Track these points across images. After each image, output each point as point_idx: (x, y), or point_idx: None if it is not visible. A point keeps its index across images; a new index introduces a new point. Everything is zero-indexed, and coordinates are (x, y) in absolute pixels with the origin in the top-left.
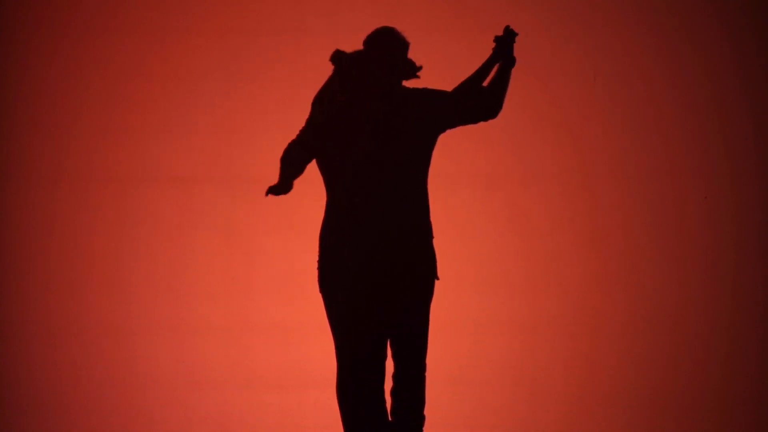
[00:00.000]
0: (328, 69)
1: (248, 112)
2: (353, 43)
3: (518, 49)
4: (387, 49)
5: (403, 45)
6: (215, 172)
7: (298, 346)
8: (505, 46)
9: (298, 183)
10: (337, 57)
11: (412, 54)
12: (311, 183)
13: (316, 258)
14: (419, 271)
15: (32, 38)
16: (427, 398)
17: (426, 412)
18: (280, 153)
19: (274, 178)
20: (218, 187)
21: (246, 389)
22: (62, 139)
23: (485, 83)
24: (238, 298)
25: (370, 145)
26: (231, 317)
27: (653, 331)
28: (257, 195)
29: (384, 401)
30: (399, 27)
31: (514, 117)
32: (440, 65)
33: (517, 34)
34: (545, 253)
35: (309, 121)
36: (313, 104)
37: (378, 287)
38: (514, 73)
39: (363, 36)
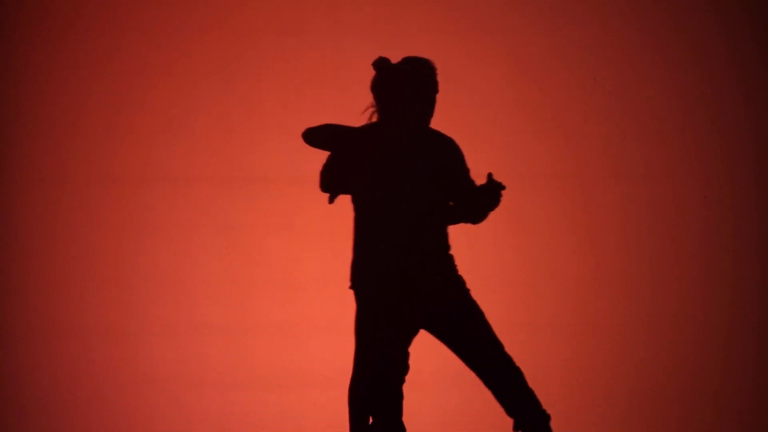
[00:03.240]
0: (328, 69)
1: (248, 112)
2: (353, 43)
3: (518, 50)
4: (420, 84)
5: (433, 87)
6: (215, 172)
7: (298, 346)
8: (493, 192)
9: (297, 183)
10: (381, 65)
11: (413, 55)
12: (311, 183)
13: (352, 255)
14: (451, 276)
15: (32, 39)
16: (427, 398)
17: (425, 412)
18: (279, 153)
19: (274, 178)
20: (218, 187)
21: (246, 389)
22: (62, 140)
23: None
24: (238, 298)
25: (399, 168)
26: (231, 317)
27: (652, 331)
28: (257, 195)
29: (401, 405)
30: (399, 27)
31: (513, 117)
32: (440, 65)
33: (504, 188)
34: (544, 253)
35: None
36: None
37: (414, 288)
38: (513, 72)
39: (363, 36)
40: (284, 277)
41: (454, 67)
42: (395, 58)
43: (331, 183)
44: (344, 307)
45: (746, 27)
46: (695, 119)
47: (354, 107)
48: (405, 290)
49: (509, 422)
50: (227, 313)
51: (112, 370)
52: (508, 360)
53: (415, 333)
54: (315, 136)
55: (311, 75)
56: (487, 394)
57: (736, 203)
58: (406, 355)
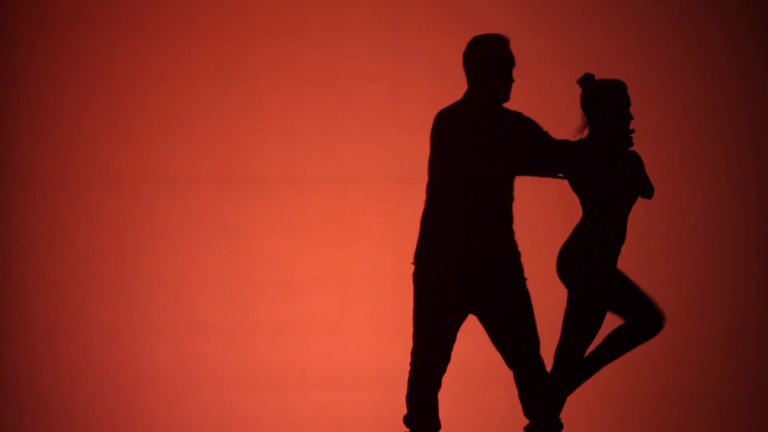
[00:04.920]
0: (328, 69)
1: (248, 112)
2: (353, 43)
3: (518, 50)
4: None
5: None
6: (215, 172)
7: (298, 346)
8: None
9: (297, 183)
10: (587, 81)
11: (413, 55)
12: (311, 183)
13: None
14: (502, 276)
15: (32, 39)
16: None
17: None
18: (279, 153)
19: (274, 178)
20: (218, 187)
21: (246, 389)
22: (62, 140)
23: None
24: (238, 298)
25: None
26: (231, 317)
27: None
28: (257, 195)
29: (435, 398)
30: (399, 27)
31: None
32: (440, 65)
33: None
34: (544, 252)
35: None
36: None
37: (463, 278)
38: (513, 72)
39: (363, 36)
40: (284, 277)
41: (454, 67)
42: (394, 58)
43: None
44: (344, 307)
45: (746, 27)
46: (695, 119)
47: (353, 107)
48: (451, 280)
49: (509, 423)
50: (227, 313)
51: (112, 370)
52: (536, 364)
53: (461, 320)
54: None
55: (311, 75)
56: (487, 396)
57: (736, 203)
58: (447, 346)
